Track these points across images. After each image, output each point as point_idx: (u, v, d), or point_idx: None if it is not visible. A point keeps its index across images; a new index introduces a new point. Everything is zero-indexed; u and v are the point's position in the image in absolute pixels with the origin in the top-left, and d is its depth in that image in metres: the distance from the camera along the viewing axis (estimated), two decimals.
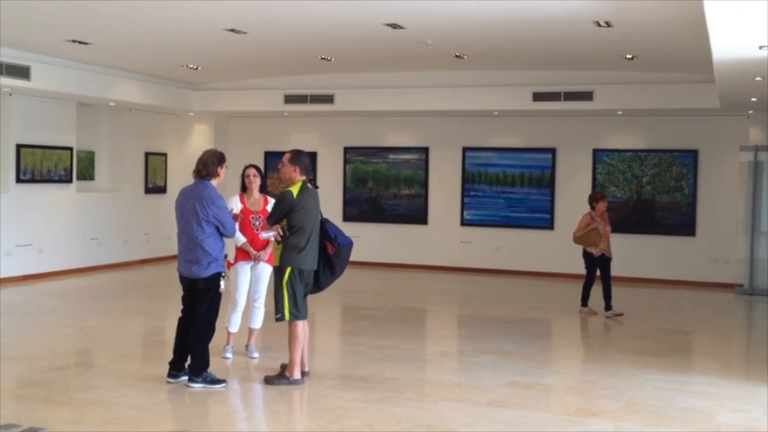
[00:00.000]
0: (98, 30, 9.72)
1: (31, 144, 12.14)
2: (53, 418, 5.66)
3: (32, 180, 12.22)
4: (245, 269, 7.47)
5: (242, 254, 7.44)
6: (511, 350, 8.12)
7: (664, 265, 13.27)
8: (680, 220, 13.21)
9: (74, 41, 10.26)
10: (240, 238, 7.31)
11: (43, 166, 12.39)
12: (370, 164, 14.93)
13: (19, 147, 11.94)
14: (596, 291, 10.32)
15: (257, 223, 7.37)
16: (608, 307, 10.15)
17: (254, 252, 7.39)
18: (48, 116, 12.44)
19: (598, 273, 10.28)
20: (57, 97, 12.22)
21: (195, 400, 6.26)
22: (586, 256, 10.32)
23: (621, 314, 10.07)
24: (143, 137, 14.52)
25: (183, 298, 6.67)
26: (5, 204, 11.84)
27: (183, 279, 6.60)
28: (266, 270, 7.46)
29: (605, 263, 10.26)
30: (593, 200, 10.32)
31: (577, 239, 10.26)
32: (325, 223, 6.70)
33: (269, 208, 7.38)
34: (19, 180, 11.99)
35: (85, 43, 10.36)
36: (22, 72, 10.75)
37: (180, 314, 6.69)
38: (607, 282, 10.23)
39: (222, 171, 6.59)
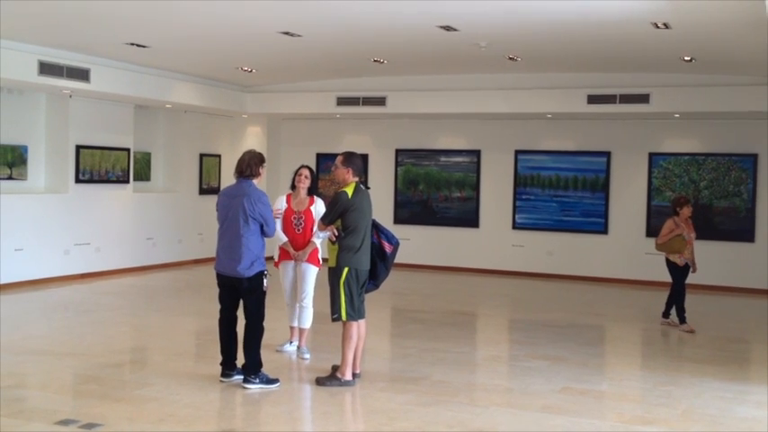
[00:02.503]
0: (156, 33, 9.88)
1: (90, 145, 12.40)
2: (110, 414, 5.76)
3: (91, 180, 12.48)
4: (287, 268, 7.55)
5: (284, 253, 7.53)
6: (564, 356, 8.03)
7: (722, 271, 12.96)
8: (738, 226, 12.91)
9: (132, 44, 10.45)
10: (282, 237, 7.40)
11: (101, 167, 12.65)
12: (421, 166, 14.91)
13: (78, 147, 12.20)
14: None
15: (299, 223, 7.42)
16: (666, 314, 9.81)
17: (294, 252, 7.45)
18: (106, 118, 12.70)
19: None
20: (115, 99, 12.46)
21: (247, 400, 6.31)
22: (670, 265, 9.71)
23: (677, 324, 9.64)
24: (198, 138, 14.73)
25: (221, 298, 6.73)
26: (65, 204, 12.11)
27: (222, 278, 6.65)
28: (309, 269, 7.52)
29: (687, 273, 9.68)
30: (676, 204, 9.74)
31: (660, 246, 9.68)
32: (377, 223, 6.75)
33: (313, 209, 7.45)
34: (78, 180, 12.25)
35: (143, 46, 10.55)
36: (82, 75, 10.99)
37: (219, 315, 6.75)
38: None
39: (262, 171, 6.69)
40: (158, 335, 8.75)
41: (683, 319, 9.56)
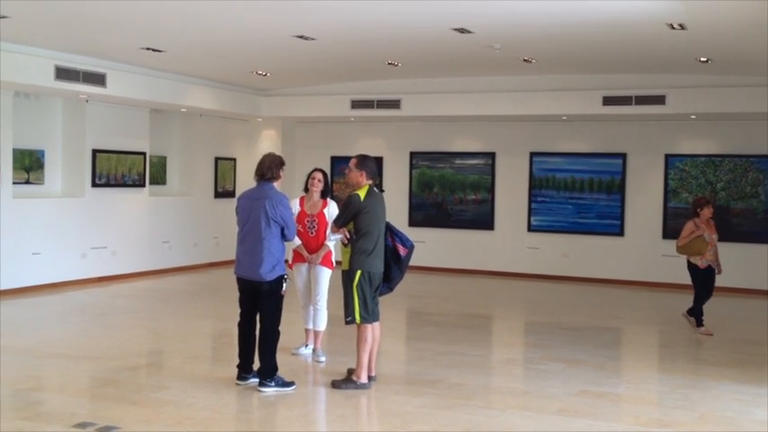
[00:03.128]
0: (171, 37, 9.93)
1: (107, 149, 12.48)
2: (127, 417, 5.79)
3: (107, 184, 12.55)
4: (301, 270, 7.57)
5: (297, 255, 7.55)
6: (580, 359, 7.99)
7: (739, 273, 12.83)
8: (756, 227, 12.81)
9: (148, 49, 10.51)
10: (296, 240, 7.41)
11: (117, 171, 12.72)
12: (436, 169, 14.90)
13: (95, 152, 12.28)
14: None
15: (312, 226, 7.44)
16: (691, 312, 9.57)
17: (307, 254, 7.46)
18: (122, 122, 12.77)
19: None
20: (131, 104, 12.53)
21: (264, 403, 6.32)
22: (691, 267, 9.48)
23: (711, 334, 9.33)
24: (213, 142, 14.78)
25: (241, 301, 6.74)
26: (82, 208, 12.19)
27: (242, 282, 6.66)
28: (323, 272, 7.53)
29: (712, 275, 9.46)
30: (696, 206, 9.52)
31: (681, 249, 9.48)
32: (391, 226, 6.74)
33: (326, 212, 7.47)
34: (94, 184, 12.32)
35: (159, 51, 10.61)
36: (98, 79, 11.06)
37: (239, 318, 6.76)
38: (709, 296, 9.48)
39: (283, 174, 6.71)
40: (174, 338, 8.78)
41: (700, 323, 9.46)
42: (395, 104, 13.64)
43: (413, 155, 15.04)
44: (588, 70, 12.21)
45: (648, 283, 13.38)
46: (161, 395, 6.38)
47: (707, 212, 9.45)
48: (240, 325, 6.72)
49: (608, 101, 12.33)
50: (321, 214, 7.50)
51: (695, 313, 9.51)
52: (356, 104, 13.87)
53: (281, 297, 6.60)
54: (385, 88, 13.69)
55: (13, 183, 11.16)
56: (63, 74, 10.54)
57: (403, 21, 8.80)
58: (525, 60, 11.14)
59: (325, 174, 7.68)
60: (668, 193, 13.31)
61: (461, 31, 9.08)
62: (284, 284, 6.58)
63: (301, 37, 9.61)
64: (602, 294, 12.72)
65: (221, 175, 14.99)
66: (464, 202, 14.72)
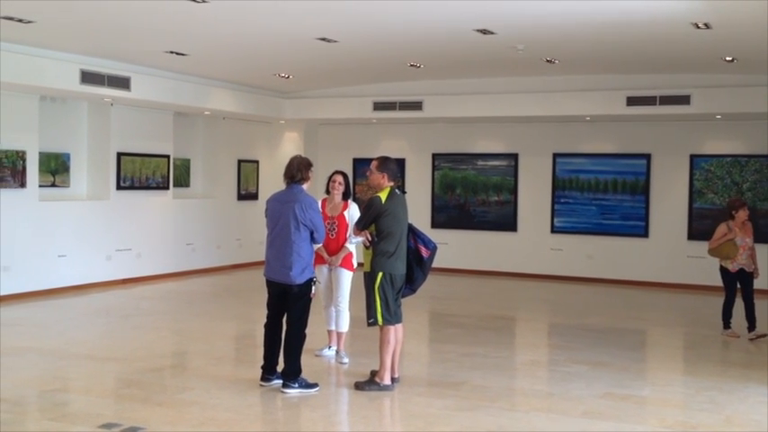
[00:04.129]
0: (194, 41, 9.99)
1: (131, 152, 12.57)
2: (151, 418, 5.82)
3: (132, 187, 12.65)
4: (322, 271, 7.59)
5: (318, 257, 7.56)
6: (605, 361, 7.93)
7: (765, 275, 12.69)
8: None
9: (171, 53, 10.58)
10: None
11: (142, 174, 12.81)
12: (458, 170, 14.87)
13: (119, 155, 12.38)
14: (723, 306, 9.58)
15: (332, 228, 7.45)
16: (751, 327, 9.19)
17: (328, 256, 7.48)
18: (146, 125, 12.86)
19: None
20: (155, 107, 12.62)
21: (287, 404, 6.34)
22: (723, 270, 9.24)
23: (765, 335, 9.11)
24: (236, 144, 14.85)
25: (269, 304, 6.75)
26: (106, 210, 12.29)
27: (272, 285, 6.67)
28: (343, 274, 7.55)
29: (745, 278, 9.18)
30: (731, 207, 9.28)
31: (711, 252, 9.28)
32: (414, 228, 6.74)
33: (346, 213, 7.48)
34: (119, 187, 12.43)
35: (182, 54, 10.68)
36: (122, 83, 11.16)
37: (266, 319, 6.78)
38: (748, 300, 9.13)
39: (311, 176, 6.73)
40: (198, 339, 8.83)
41: (726, 325, 9.34)
42: (417, 106, 13.63)
43: (435, 156, 15.03)
44: (612, 70, 12.14)
45: (673, 285, 13.27)
46: (185, 396, 6.41)
47: (742, 215, 9.19)
48: (266, 326, 6.74)
49: (632, 101, 12.25)
50: (341, 216, 7.51)
51: (723, 315, 9.36)
52: (378, 106, 13.88)
53: (310, 300, 6.62)
54: (407, 90, 13.69)
55: (40, 186, 11.28)
56: (88, 78, 10.64)
57: (425, 22, 8.79)
58: (548, 61, 11.09)
59: (345, 176, 7.70)
60: (693, 193, 13.19)
61: (484, 32, 9.06)
62: (313, 287, 6.60)
63: (324, 39, 9.63)
64: (627, 296, 12.63)
65: (244, 177, 15.05)
66: (487, 204, 14.67)
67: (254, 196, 15.16)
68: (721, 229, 9.23)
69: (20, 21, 8.51)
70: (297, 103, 14.63)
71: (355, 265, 7.63)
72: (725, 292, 9.37)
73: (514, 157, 14.45)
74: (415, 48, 10.46)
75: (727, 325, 9.33)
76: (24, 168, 10.87)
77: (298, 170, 6.62)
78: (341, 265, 7.51)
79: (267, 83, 13.56)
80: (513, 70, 12.22)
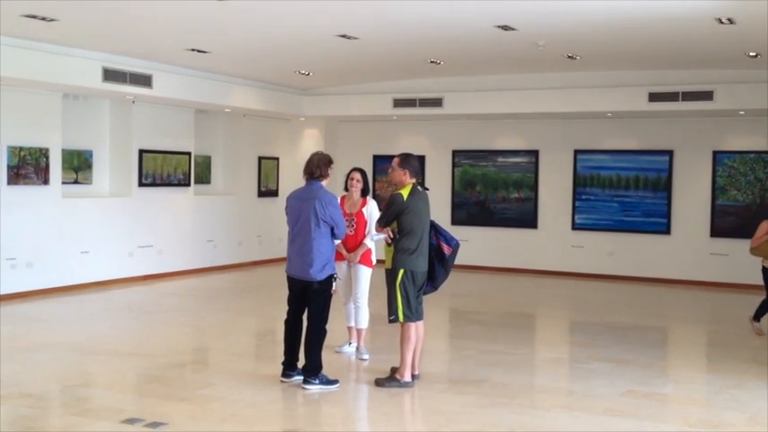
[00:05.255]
0: (215, 38, 10.03)
1: (153, 149, 12.65)
2: (173, 413, 5.86)
3: (153, 184, 12.72)
4: (341, 267, 7.59)
5: (337, 254, 7.55)
6: (627, 358, 7.88)
7: None
8: None
9: (193, 50, 10.63)
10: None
11: (163, 171, 12.89)
12: (478, 167, 14.83)
13: (141, 152, 12.46)
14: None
15: (351, 225, 7.46)
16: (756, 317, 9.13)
17: (346, 253, 7.48)
18: (168, 122, 12.94)
19: None
20: (176, 104, 12.69)
21: (308, 400, 6.36)
22: (763, 270, 8.97)
23: (762, 334, 9.01)
24: (256, 141, 14.90)
25: (290, 300, 6.77)
26: (128, 207, 12.38)
27: (293, 281, 6.69)
28: (362, 270, 7.55)
29: None
30: None
31: (753, 251, 9.03)
32: (436, 225, 6.72)
33: (364, 210, 7.48)
34: (141, 184, 12.50)
35: (204, 52, 10.72)
36: (144, 81, 11.22)
37: (286, 316, 6.79)
38: None
39: (331, 172, 6.73)
40: (219, 335, 8.87)
41: (757, 318, 9.07)
42: (437, 103, 13.61)
43: (455, 153, 15.00)
44: (634, 66, 12.05)
45: (696, 282, 13.16)
46: (207, 392, 6.45)
47: None
48: (287, 323, 6.76)
49: (654, 97, 12.15)
50: (360, 213, 7.52)
51: (758, 309, 9.07)
52: (398, 103, 13.86)
53: (330, 296, 6.63)
54: (427, 86, 13.67)
55: (63, 183, 11.38)
56: (110, 75, 10.71)
57: (446, 19, 8.77)
58: (569, 57, 11.03)
59: (363, 173, 7.70)
60: (716, 190, 13.07)
61: (505, 28, 9.02)
62: (334, 283, 6.61)
63: (344, 36, 9.63)
64: (649, 293, 12.55)
65: (264, 174, 15.10)
66: (507, 201, 14.63)
67: (274, 193, 15.21)
68: (763, 227, 9.00)
69: (43, 19, 8.58)
70: (317, 100, 14.65)
71: (374, 261, 7.64)
72: (766, 292, 9.06)
73: (535, 153, 14.39)
74: (436, 44, 10.44)
75: (757, 318, 9.11)
76: (48, 165, 10.97)
77: (317, 167, 6.63)
78: (360, 262, 7.52)
79: (287, 80, 13.58)
80: (533, 66, 12.16)
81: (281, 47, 10.64)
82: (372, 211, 7.48)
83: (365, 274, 7.58)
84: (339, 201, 7.52)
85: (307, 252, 6.49)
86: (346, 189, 7.70)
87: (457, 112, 13.72)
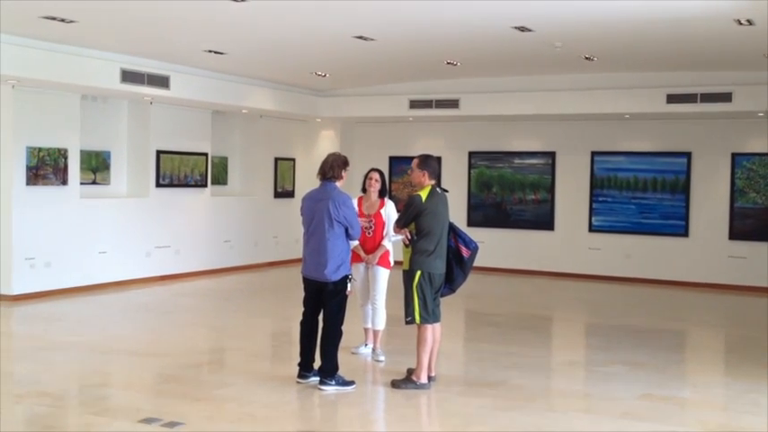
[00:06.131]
0: (233, 40, 10.07)
1: (170, 150, 12.71)
2: (190, 413, 5.88)
3: (170, 184, 12.78)
4: (359, 269, 7.58)
5: (355, 255, 7.55)
6: (644, 361, 7.84)
7: None
8: None
9: (210, 51, 10.67)
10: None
11: (180, 172, 12.94)
12: (494, 168, 14.80)
13: (158, 153, 12.52)
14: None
15: (369, 226, 7.45)
16: None
17: (364, 255, 7.48)
18: (185, 123, 12.99)
19: None
20: (193, 105, 12.74)
21: (324, 401, 6.36)
22: None
23: None
24: (273, 143, 14.93)
25: (306, 301, 6.77)
26: (146, 208, 12.44)
27: (308, 282, 6.70)
28: (380, 272, 7.53)
29: None
30: None
31: None
32: (455, 227, 6.71)
33: (383, 211, 7.47)
34: (158, 185, 12.56)
35: (221, 53, 10.76)
36: (162, 82, 11.28)
37: (302, 317, 6.80)
38: None
39: (345, 174, 6.72)
40: (235, 336, 8.90)
41: None
42: (453, 104, 13.59)
43: (471, 154, 14.97)
44: (651, 68, 11.99)
45: (714, 285, 13.06)
46: (223, 392, 6.47)
47: None
48: (303, 323, 6.77)
49: (672, 98, 12.09)
50: (378, 214, 7.50)
51: None
52: (415, 104, 13.86)
53: (346, 297, 6.63)
54: (443, 88, 13.65)
55: (81, 183, 11.45)
56: (128, 77, 10.77)
57: (463, 20, 8.76)
58: (587, 58, 10.98)
59: (382, 173, 7.68)
60: (735, 192, 12.98)
61: (522, 29, 9.00)
62: (349, 284, 6.61)
63: (361, 38, 9.64)
64: (666, 296, 12.47)
65: (281, 175, 15.13)
66: (523, 202, 14.59)
67: (290, 194, 15.24)
68: None
69: (62, 20, 8.64)
70: (333, 102, 14.67)
71: (392, 262, 7.63)
72: None
73: (552, 155, 14.34)
74: (453, 46, 10.42)
75: None
76: (66, 166, 11.04)
77: (330, 168, 6.64)
78: (378, 263, 7.51)
79: (304, 81, 13.61)
80: (550, 68, 12.13)
81: (297, 48, 10.67)
82: (390, 212, 7.47)
83: (383, 276, 7.57)
84: (356, 202, 7.54)
85: (321, 253, 6.50)
86: (364, 190, 7.69)
87: (473, 114, 13.69)
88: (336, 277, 6.51)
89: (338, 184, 6.67)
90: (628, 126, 13.72)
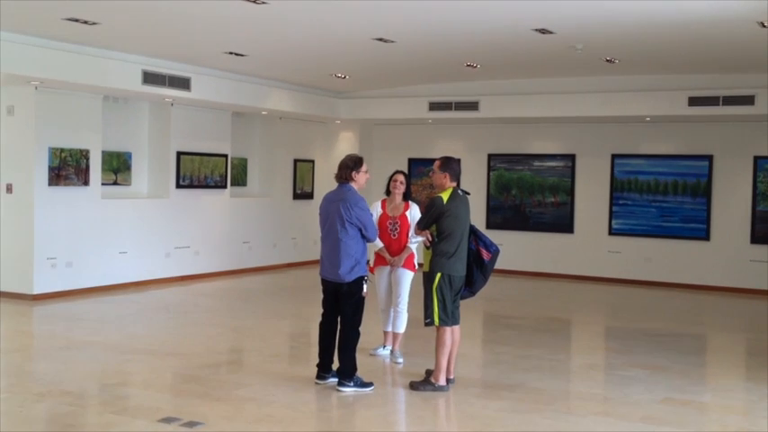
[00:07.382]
0: (253, 41, 10.10)
1: (190, 151, 12.77)
2: (210, 413, 5.90)
3: (190, 186, 12.85)
4: (383, 273, 7.57)
5: (379, 258, 7.55)
6: (664, 365, 7.78)
7: None
8: None
9: (230, 53, 10.72)
10: (378, 243, 7.42)
11: (201, 173, 13.01)
12: (514, 171, 14.76)
13: (179, 154, 12.59)
14: None
15: (394, 229, 7.44)
16: None
17: (390, 257, 7.47)
18: (205, 125, 13.06)
19: None
20: (214, 107, 12.81)
21: (342, 402, 6.37)
22: None
23: None
24: (292, 144, 14.98)
25: (324, 302, 6.79)
26: (166, 209, 12.51)
27: (326, 283, 6.73)
28: (405, 274, 7.51)
29: None
30: None
31: None
32: (476, 230, 6.69)
33: (408, 214, 7.45)
34: (178, 185, 12.63)
35: (241, 55, 10.81)
36: (183, 83, 11.34)
37: (321, 318, 6.82)
38: None
39: (359, 176, 6.66)
40: (254, 336, 8.93)
41: None
42: (473, 106, 13.57)
43: (491, 157, 14.94)
44: (673, 70, 11.91)
45: (735, 289, 12.96)
46: (242, 392, 6.49)
47: None
48: (321, 325, 6.78)
49: (694, 101, 12.00)
50: (403, 216, 7.49)
51: None
52: (434, 106, 13.85)
53: (362, 298, 6.63)
54: (463, 90, 13.64)
55: (102, 184, 11.53)
56: (150, 78, 10.84)
57: (483, 22, 8.74)
58: (608, 61, 10.93)
59: (406, 176, 7.68)
60: (757, 196, 12.87)
61: (542, 31, 8.97)
62: (365, 286, 6.61)
63: (381, 39, 9.65)
64: (687, 300, 12.38)
65: (300, 176, 15.17)
66: (543, 205, 14.53)
67: (309, 196, 15.27)
68: None
69: (85, 23, 8.72)
70: (352, 103, 14.69)
71: (417, 265, 7.61)
72: None
73: (571, 157, 14.28)
74: (473, 48, 10.41)
75: None
76: (88, 167, 11.13)
77: (340, 170, 6.66)
78: (402, 266, 7.50)
79: (323, 83, 13.64)
80: (571, 70, 12.08)
81: (317, 50, 10.69)
82: (415, 214, 7.44)
83: (408, 279, 7.54)
84: (380, 204, 7.53)
85: (335, 254, 6.52)
86: (387, 192, 7.67)
87: (493, 116, 13.66)
88: (351, 278, 6.52)
89: (355, 185, 6.66)
90: (648, 128, 13.64)
